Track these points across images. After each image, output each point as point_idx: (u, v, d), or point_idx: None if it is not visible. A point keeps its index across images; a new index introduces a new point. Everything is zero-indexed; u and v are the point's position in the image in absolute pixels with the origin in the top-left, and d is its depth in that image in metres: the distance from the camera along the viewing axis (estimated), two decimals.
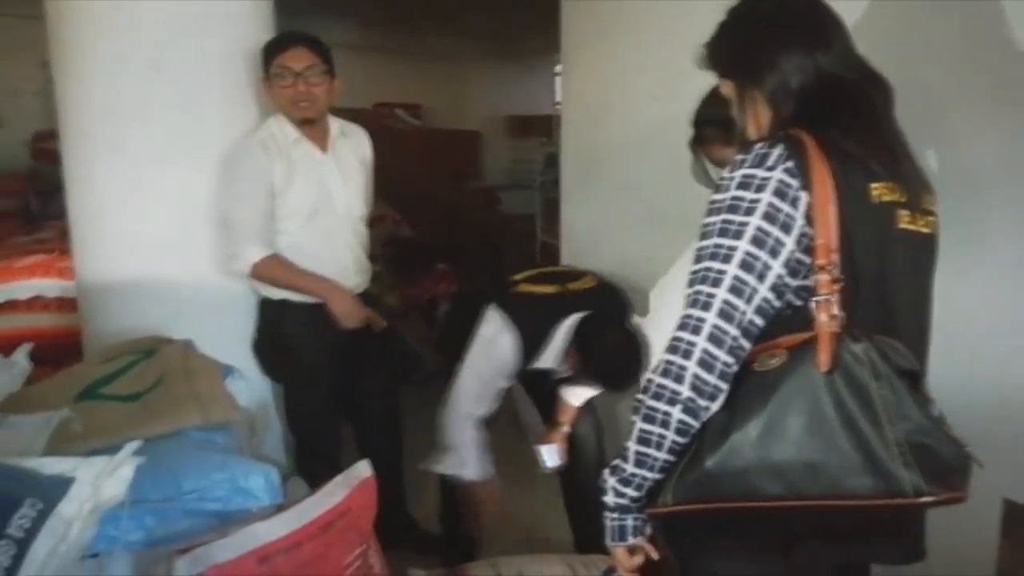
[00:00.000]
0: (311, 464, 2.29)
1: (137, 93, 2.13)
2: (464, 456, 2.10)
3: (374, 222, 3.82)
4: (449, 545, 2.39)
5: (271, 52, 2.15)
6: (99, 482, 0.94)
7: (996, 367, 1.61)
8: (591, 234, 3.15)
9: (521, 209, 6.32)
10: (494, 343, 1.99)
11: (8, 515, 0.85)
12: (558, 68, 6.24)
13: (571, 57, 3.17)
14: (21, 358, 1.36)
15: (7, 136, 4.22)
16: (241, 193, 2.13)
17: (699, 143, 1.69)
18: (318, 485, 1.51)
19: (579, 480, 2.22)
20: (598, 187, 3.09)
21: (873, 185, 0.99)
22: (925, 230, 1.04)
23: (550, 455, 2.11)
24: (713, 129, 1.65)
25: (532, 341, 1.99)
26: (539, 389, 2.24)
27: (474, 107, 7.50)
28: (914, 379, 0.91)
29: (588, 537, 2.31)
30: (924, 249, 1.05)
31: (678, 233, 2.28)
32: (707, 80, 1.62)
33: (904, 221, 1.00)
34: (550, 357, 1.99)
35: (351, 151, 2.35)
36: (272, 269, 2.17)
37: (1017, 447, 1.44)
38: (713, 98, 1.65)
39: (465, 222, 6.42)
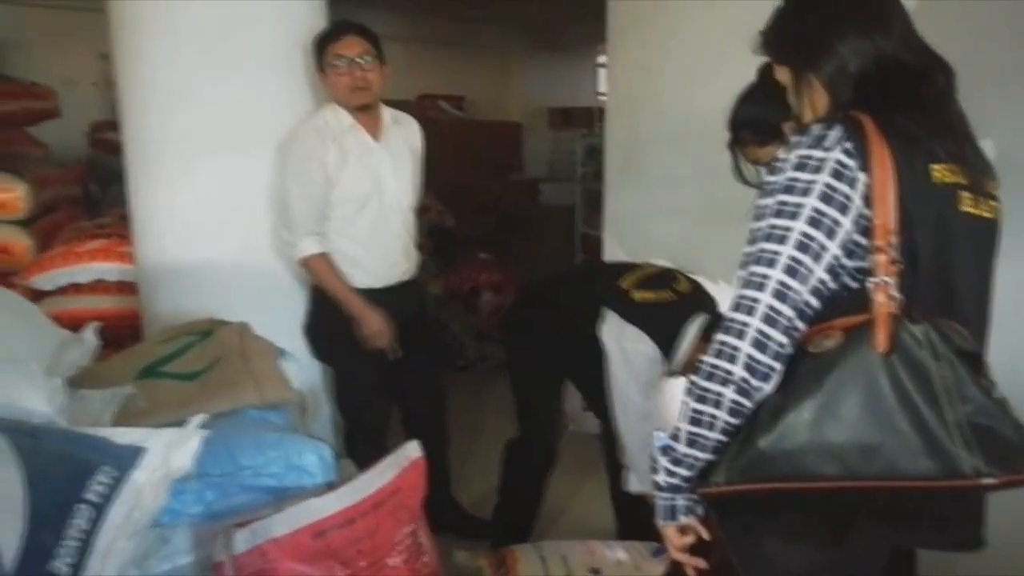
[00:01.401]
0: (359, 446, 2.34)
1: (194, 83, 2.20)
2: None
3: (419, 212, 3.88)
4: (501, 531, 2.41)
5: (325, 42, 2.21)
6: (169, 452, 0.98)
7: None
8: (634, 223, 3.14)
9: (562, 201, 6.31)
10: (634, 355, 1.98)
11: (85, 480, 0.90)
12: (601, 59, 6.23)
13: (615, 47, 3.16)
14: (91, 335, 1.42)
15: (66, 126, 4.35)
16: (297, 178, 2.18)
17: (735, 144, 1.70)
18: (366, 466, 1.54)
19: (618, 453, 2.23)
20: (641, 177, 3.08)
21: (934, 166, 0.97)
22: (987, 214, 1.03)
23: None
24: (747, 131, 1.66)
25: (668, 348, 1.98)
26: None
27: (516, 99, 7.51)
28: (975, 361, 0.89)
29: (630, 524, 2.32)
30: (986, 233, 1.04)
31: (720, 222, 2.28)
32: (752, 68, 1.63)
33: (966, 204, 0.99)
34: (680, 361, 1.99)
35: (403, 140, 2.39)
36: (319, 268, 2.23)
37: None
38: (745, 99, 1.66)
39: (506, 213, 6.44)
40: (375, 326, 2.26)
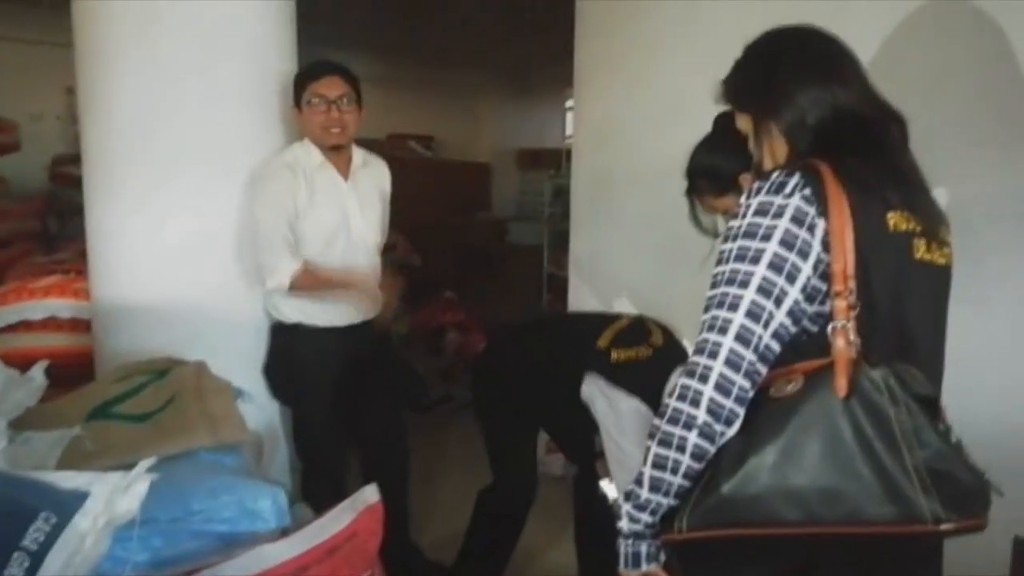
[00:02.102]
0: (317, 488, 2.28)
1: (160, 117, 2.18)
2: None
3: (385, 250, 3.86)
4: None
5: (306, 79, 2.21)
6: (113, 497, 0.94)
7: (1002, 400, 1.61)
8: (600, 263, 3.16)
9: (528, 240, 6.36)
10: (626, 414, 1.95)
11: (24, 527, 0.85)
12: (569, 103, 6.34)
13: (582, 89, 3.22)
14: (38, 374, 1.37)
15: (27, 159, 4.29)
16: (271, 209, 2.16)
17: (692, 192, 1.72)
18: (323, 510, 1.50)
19: (592, 511, 2.20)
20: (607, 217, 3.11)
21: (890, 214, 0.99)
22: (941, 260, 1.05)
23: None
24: (704, 180, 1.69)
25: (654, 403, 1.96)
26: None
27: (485, 140, 7.59)
28: (932, 405, 0.90)
29: (593, 569, 2.29)
30: (939, 279, 1.06)
31: (686, 262, 2.30)
32: (715, 109, 1.66)
33: (920, 251, 1.01)
34: None
35: (371, 181, 2.39)
36: (307, 277, 2.20)
37: None
38: (701, 148, 1.70)
39: (473, 252, 6.46)
40: (387, 290, 2.32)
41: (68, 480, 0.97)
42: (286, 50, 2.38)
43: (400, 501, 2.53)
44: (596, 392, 1.97)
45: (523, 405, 2.19)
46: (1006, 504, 0.99)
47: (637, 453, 1.93)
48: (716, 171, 1.63)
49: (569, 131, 5.99)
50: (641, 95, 2.88)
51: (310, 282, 2.20)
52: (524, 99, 7.39)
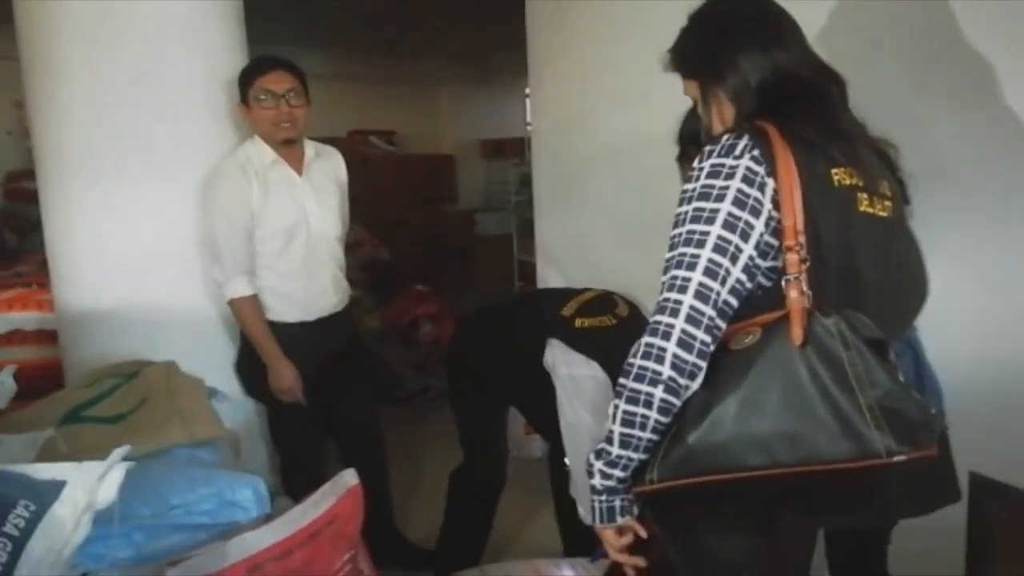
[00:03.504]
0: (296, 482, 2.28)
1: (112, 121, 2.16)
2: None
3: (352, 247, 3.85)
4: (447, 561, 2.38)
5: (252, 75, 2.19)
6: (91, 484, 0.95)
7: (963, 348, 1.67)
8: (566, 248, 3.19)
9: (497, 230, 6.37)
10: (584, 381, 1.97)
11: (3, 515, 0.86)
12: (528, 89, 6.36)
13: (538, 74, 3.23)
14: (7, 377, 1.37)
15: None
16: (223, 216, 2.15)
17: (682, 159, 1.75)
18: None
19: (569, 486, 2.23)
20: (570, 202, 3.14)
21: (834, 170, 1.04)
22: (882, 213, 1.10)
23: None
24: (692, 147, 1.71)
25: (614, 371, 1.98)
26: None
27: (448, 132, 7.57)
28: (881, 348, 0.94)
29: (575, 542, 2.33)
30: (886, 230, 1.10)
31: (650, 242, 2.33)
32: (671, 90, 1.69)
33: (864, 204, 1.06)
34: None
35: (326, 173, 2.38)
36: (243, 310, 2.21)
37: (984, 423, 1.49)
38: (691, 115, 1.72)
39: (442, 245, 6.46)
40: (285, 382, 2.24)
41: (44, 471, 0.98)
42: (236, 49, 2.36)
43: (381, 489, 2.55)
44: (556, 358, 2.00)
45: (492, 384, 2.21)
46: (960, 443, 1.04)
47: (590, 420, 1.98)
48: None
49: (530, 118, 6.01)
50: (597, 78, 2.90)
51: (245, 317, 2.22)
52: (484, 89, 7.39)
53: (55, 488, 0.93)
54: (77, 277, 2.26)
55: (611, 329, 2.02)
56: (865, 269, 1.05)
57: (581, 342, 1.99)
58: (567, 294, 2.18)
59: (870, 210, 1.06)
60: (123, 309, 2.20)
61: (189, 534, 1.46)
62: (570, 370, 1.99)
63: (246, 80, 2.19)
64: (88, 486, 0.94)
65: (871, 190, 1.08)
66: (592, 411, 2.00)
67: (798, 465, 0.90)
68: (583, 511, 2.09)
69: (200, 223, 2.23)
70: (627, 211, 2.78)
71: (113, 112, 2.16)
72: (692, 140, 1.70)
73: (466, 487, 2.37)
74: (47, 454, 1.38)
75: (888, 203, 1.11)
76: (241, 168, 2.18)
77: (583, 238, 3.07)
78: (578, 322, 2.03)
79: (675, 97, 1.73)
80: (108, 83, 2.15)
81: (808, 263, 0.98)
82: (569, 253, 3.16)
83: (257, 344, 2.22)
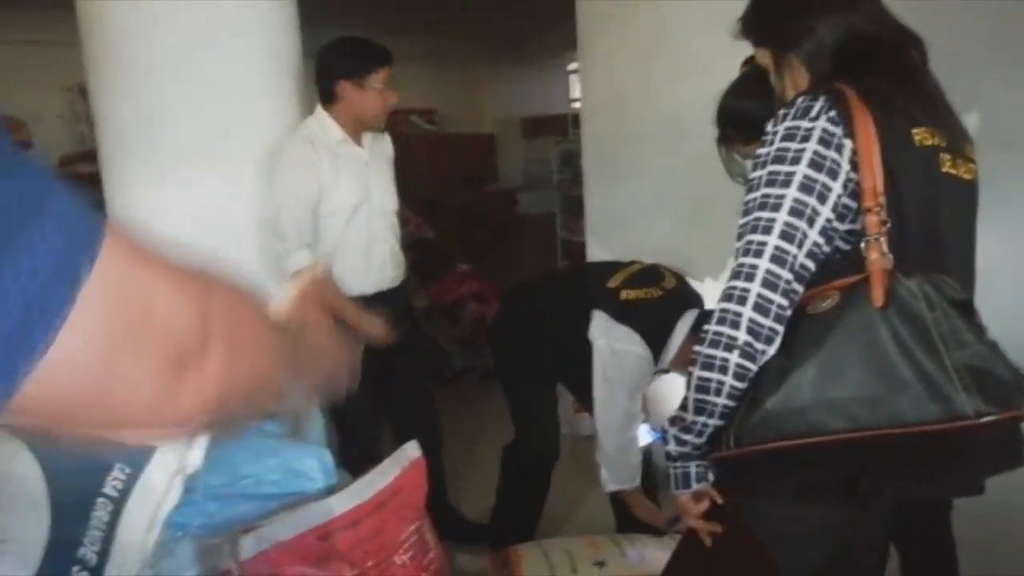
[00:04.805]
0: (353, 456, 2.32)
1: (170, 103, 2.21)
2: (634, 471, 2.10)
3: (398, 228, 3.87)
4: (501, 532, 2.40)
5: (378, 63, 2.26)
6: (180, 450, 0.99)
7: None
8: (617, 225, 3.17)
9: (539, 209, 6.34)
10: (624, 356, 1.97)
11: (102, 476, 0.90)
12: (572, 66, 6.30)
13: (587, 51, 3.21)
14: None
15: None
16: (289, 189, 2.19)
17: (723, 141, 1.72)
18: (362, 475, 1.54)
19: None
20: (622, 178, 3.11)
21: (915, 130, 1.01)
22: (967, 176, 1.07)
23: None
24: (732, 128, 1.68)
25: (658, 346, 1.99)
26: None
27: (488, 110, 7.55)
28: (967, 308, 0.92)
29: (629, 517, 2.33)
30: (967, 194, 1.08)
31: (706, 218, 2.32)
32: (733, 62, 1.66)
33: (947, 165, 1.03)
34: (669, 357, 1.99)
35: (380, 151, 2.44)
36: (296, 296, 2.22)
37: None
38: (729, 95, 1.68)
39: (484, 224, 6.46)
40: (377, 327, 2.27)
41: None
42: (290, 30, 2.39)
43: (434, 464, 2.57)
44: (598, 329, 1.99)
45: (536, 360, 2.22)
46: None
47: (622, 395, 1.97)
48: (745, 117, 1.61)
49: (573, 95, 5.95)
50: (650, 51, 2.87)
51: (299, 300, 2.24)
52: (524, 66, 7.33)
53: (147, 452, 0.96)
54: None
55: (657, 301, 2.01)
56: (947, 231, 1.03)
57: (626, 314, 1.99)
58: (614, 267, 2.17)
59: (953, 171, 1.03)
60: None
61: (258, 503, 1.50)
62: (610, 343, 1.98)
63: (368, 65, 2.25)
64: (177, 451, 0.97)
65: (954, 151, 1.05)
66: (627, 389, 1.99)
67: (882, 427, 0.89)
68: (605, 475, 2.09)
69: (262, 198, 2.27)
70: (681, 185, 2.75)
71: (171, 94, 2.20)
72: (732, 121, 1.67)
73: (519, 462, 2.38)
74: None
75: (972, 166, 1.08)
76: (311, 144, 2.22)
77: (634, 213, 3.05)
78: (624, 294, 2.02)
79: (733, 67, 1.70)
80: (165, 66, 2.19)
81: (888, 225, 0.96)
82: (620, 229, 3.14)
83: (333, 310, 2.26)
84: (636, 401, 2.03)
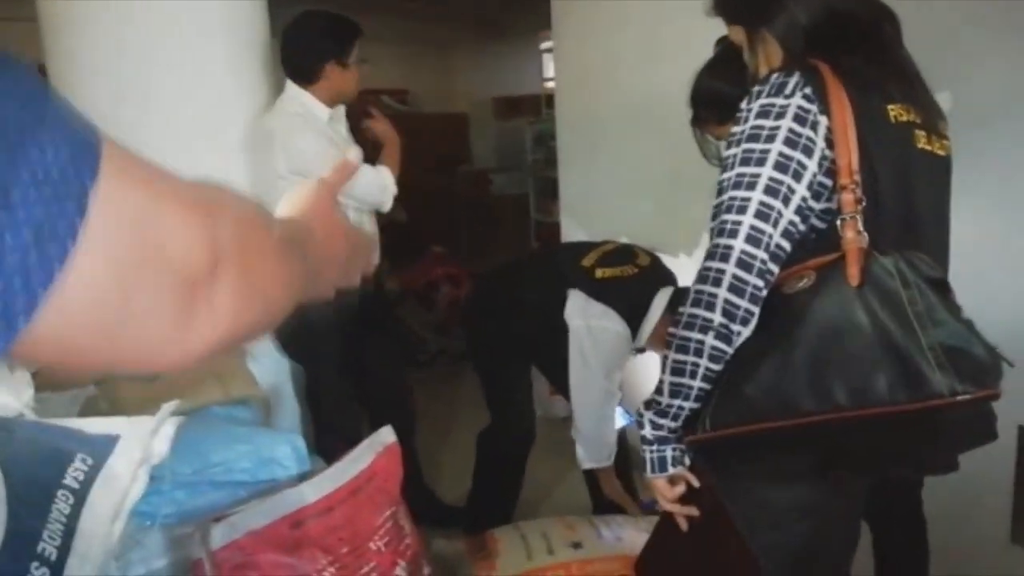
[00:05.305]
0: (329, 442, 2.30)
1: (137, 82, 2.13)
2: (610, 449, 2.11)
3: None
4: (478, 516, 2.40)
5: (353, 35, 2.21)
6: (144, 439, 0.96)
7: (1004, 295, 1.64)
8: (593, 205, 3.16)
9: (513, 190, 6.31)
10: (601, 333, 1.96)
11: (62, 468, 0.87)
12: (545, 45, 6.24)
13: (561, 30, 3.18)
14: None
15: None
16: (321, 156, 2.10)
17: (697, 123, 1.71)
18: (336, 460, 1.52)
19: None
20: (596, 156, 3.10)
21: (890, 107, 1.00)
22: (940, 152, 1.06)
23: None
24: (705, 109, 1.67)
25: (635, 322, 1.98)
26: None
27: (461, 90, 7.47)
28: (942, 287, 0.92)
29: (604, 498, 2.34)
30: (941, 170, 1.07)
31: (683, 198, 2.30)
32: (699, 41, 1.64)
33: (921, 141, 1.02)
34: (646, 334, 1.99)
35: (346, 131, 2.40)
36: (389, 161, 2.32)
37: None
38: (702, 76, 1.67)
39: (457, 205, 6.42)
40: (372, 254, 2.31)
41: (97, 426, 0.98)
42: (259, 11, 2.33)
43: (409, 447, 2.56)
44: (574, 308, 1.99)
45: (510, 343, 2.21)
46: (1009, 396, 1.02)
47: (598, 371, 1.97)
48: (718, 98, 1.59)
49: (547, 74, 5.90)
50: (622, 31, 2.84)
51: (396, 170, 2.32)
52: (497, 46, 7.25)
53: (110, 442, 0.93)
54: None
55: (632, 278, 2.01)
56: (923, 209, 1.02)
57: (602, 292, 1.98)
58: (588, 246, 2.16)
59: (928, 147, 1.03)
60: None
61: (229, 491, 1.47)
62: (587, 321, 1.98)
63: (347, 40, 2.19)
64: (142, 440, 0.94)
65: (929, 128, 1.04)
66: (604, 367, 1.99)
67: (856, 408, 0.89)
68: (581, 453, 2.10)
69: (276, 192, 2.22)
70: (656, 165, 2.74)
71: (135, 74, 2.13)
72: (705, 102, 1.66)
73: (494, 446, 2.38)
74: (90, 410, 1.39)
75: (946, 142, 1.08)
76: (301, 118, 2.18)
77: (609, 193, 3.04)
78: (599, 272, 2.02)
79: (705, 47, 1.69)
80: (128, 44, 2.12)
81: (864, 203, 0.95)
82: (594, 207, 3.13)
83: (397, 154, 2.34)
84: (613, 380, 2.03)
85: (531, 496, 2.56)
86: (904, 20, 1.11)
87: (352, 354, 2.37)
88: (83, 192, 0.33)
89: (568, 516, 2.22)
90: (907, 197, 1.00)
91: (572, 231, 3.24)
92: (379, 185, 2.23)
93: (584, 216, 3.18)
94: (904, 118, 1.01)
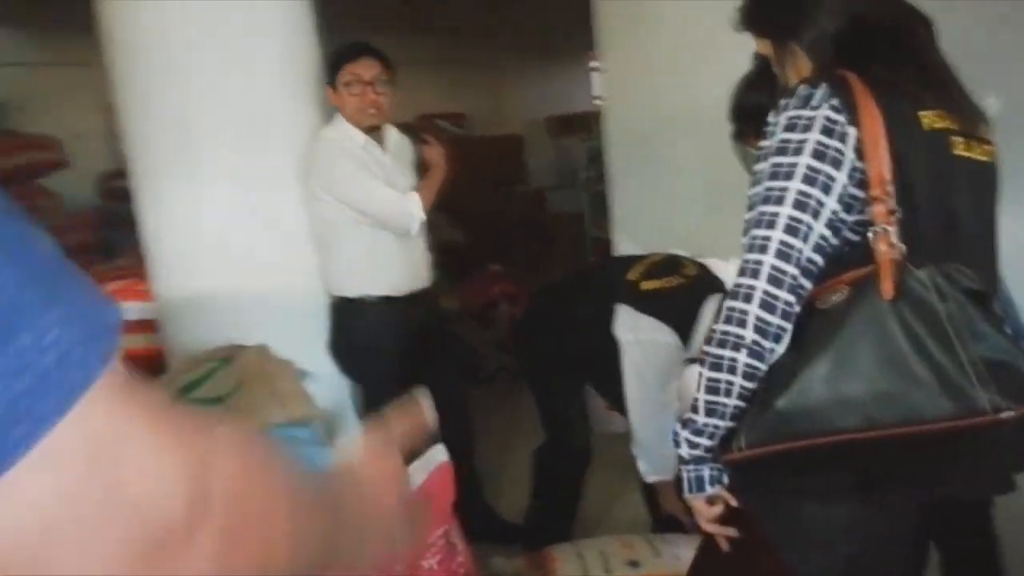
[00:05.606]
0: None
1: (199, 116, 2.25)
2: (672, 460, 2.10)
3: (426, 228, 3.88)
4: (535, 536, 2.41)
5: (341, 60, 2.28)
6: None
7: None
8: (644, 219, 3.15)
9: (569, 208, 6.33)
10: (651, 347, 1.96)
11: None
12: (593, 64, 6.26)
13: (607, 48, 3.20)
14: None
15: (76, 176, 4.46)
16: (355, 178, 2.24)
17: (739, 137, 1.70)
18: None
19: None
20: (647, 173, 3.10)
21: (923, 113, 0.99)
22: (983, 158, 1.04)
23: None
24: (745, 124, 1.66)
25: (685, 332, 1.98)
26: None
27: (514, 111, 7.56)
28: (984, 299, 0.90)
29: (666, 517, 2.32)
30: (984, 176, 1.05)
31: (732, 208, 2.27)
32: (743, 53, 1.63)
33: (959, 148, 1.00)
34: (697, 344, 1.99)
35: (406, 155, 2.48)
36: (426, 195, 2.33)
37: None
38: (741, 89, 1.66)
39: (514, 225, 6.47)
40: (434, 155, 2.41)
41: None
42: (308, 35, 2.43)
43: (469, 464, 2.60)
44: (623, 323, 1.98)
45: (562, 359, 2.22)
46: None
47: (654, 384, 1.95)
48: (759, 111, 1.56)
49: (596, 93, 5.92)
50: (669, 45, 2.85)
51: (430, 197, 2.33)
52: (548, 66, 7.32)
53: None
54: (171, 266, 2.39)
55: (680, 289, 2.00)
56: (964, 217, 1.00)
57: (649, 304, 1.97)
58: (633, 260, 2.16)
59: (967, 154, 1.01)
60: (218, 295, 2.31)
61: None
62: (636, 335, 1.97)
63: (335, 65, 2.28)
64: None
65: (967, 133, 1.02)
66: (658, 379, 1.97)
67: (896, 426, 0.87)
68: (644, 466, 2.08)
69: (313, 209, 2.33)
70: (707, 177, 2.72)
71: (199, 108, 2.25)
72: (745, 115, 1.64)
73: (550, 464, 2.38)
74: None
75: (988, 147, 1.05)
76: (341, 149, 2.27)
77: (662, 207, 3.04)
78: (645, 285, 2.01)
79: (748, 59, 1.68)
80: (191, 82, 2.24)
81: (899, 214, 0.94)
82: (647, 223, 3.12)
83: (440, 175, 2.38)
84: (669, 391, 2.02)
85: (590, 513, 2.55)
86: (950, 23, 1.09)
87: (409, 373, 2.42)
88: (80, 387, 0.29)
89: (626, 535, 2.21)
90: (945, 206, 0.98)
91: (624, 246, 3.24)
92: (402, 211, 2.27)
93: (635, 230, 3.18)
94: (939, 125, 0.99)
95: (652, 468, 2.08)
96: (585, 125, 6.25)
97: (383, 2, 5.39)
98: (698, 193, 2.80)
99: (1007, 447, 0.91)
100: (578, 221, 5.85)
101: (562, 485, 2.38)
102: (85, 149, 5.21)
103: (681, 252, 2.29)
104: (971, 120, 1.04)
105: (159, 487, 0.32)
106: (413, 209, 2.27)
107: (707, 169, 2.68)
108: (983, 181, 1.05)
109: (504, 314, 4.80)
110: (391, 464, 0.56)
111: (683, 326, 1.96)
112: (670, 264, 2.08)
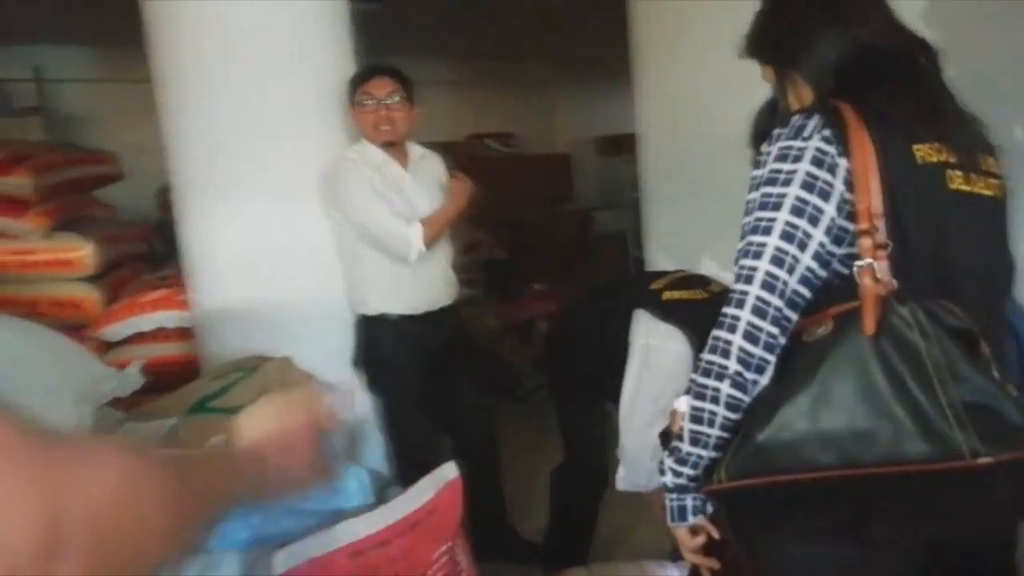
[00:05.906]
0: (412, 475, 2.38)
1: (236, 133, 2.34)
2: (649, 476, 2.04)
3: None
4: (553, 557, 2.40)
5: (357, 81, 2.36)
6: None
7: None
8: (679, 242, 3.13)
9: (615, 227, 6.33)
10: (660, 355, 1.95)
11: None
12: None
13: (641, 66, 3.20)
14: (134, 370, 1.54)
15: (136, 189, 4.65)
16: (365, 198, 2.28)
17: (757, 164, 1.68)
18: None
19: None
20: (679, 194, 3.08)
21: (917, 147, 0.97)
22: (986, 192, 1.01)
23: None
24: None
25: (699, 347, 1.95)
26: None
27: (563, 131, 7.60)
28: (970, 339, 0.87)
29: None
30: (984, 211, 1.02)
31: None
32: None
33: (957, 182, 0.98)
34: None
35: (430, 173, 2.50)
36: (432, 227, 2.33)
37: None
38: (761, 115, 1.64)
39: (559, 244, 6.48)
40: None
41: None
42: (345, 59, 2.51)
43: (492, 482, 2.60)
44: (641, 328, 1.96)
45: (585, 377, 2.20)
46: None
47: (648, 400, 1.90)
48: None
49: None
50: (708, 66, 2.83)
51: (436, 229, 2.34)
52: (597, 86, 7.35)
53: None
54: (207, 278, 2.47)
55: (702, 302, 1.96)
56: (959, 253, 0.97)
57: (669, 313, 1.95)
58: (660, 274, 2.15)
59: (965, 188, 0.98)
60: (251, 307, 2.38)
61: (300, 519, 1.56)
62: (648, 340, 1.95)
63: (353, 85, 2.36)
64: None
65: (967, 167, 0.99)
66: (656, 386, 1.93)
67: (873, 465, 0.85)
68: (621, 472, 2.04)
69: (331, 227, 2.39)
70: (735, 196, 2.69)
71: (237, 125, 2.34)
72: (760, 143, 1.62)
73: (567, 484, 2.37)
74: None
75: (993, 180, 1.02)
76: (356, 164, 2.33)
77: (697, 229, 3.01)
78: (667, 294, 1.99)
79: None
80: (230, 99, 2.33)
81: (889, 248, 0.92)
82: (683, 248, 3.10)
83: (452, 217, 2.39)
84: (661, 404, 1.98)
85: (609, 536, 2.53)
86: (977, 46, 1.06)
87: (433, 388, 2.45)
88: None
89: (643, 560, 2.18)
90: (936, 242, 0.96)
91: (658, 265, 3.22)
92: (401, 238, 2.28)
93: (671, 250, 3.16)
94: (933, 159, 0.97)
95: (627, 478, 2.04)
96: (632, 146, 6.23)
97: (436, 25, 5.50)
98: (735, 217, 2.76)
99: (1001, 490, 0.87)
100: (622, 240, 5.84)
101: (579, 506, 2.36)
102: (148, 163, 5.43)
103: (717, 277, 2.27)
104: (972, 153, 1.01)
105: (12, 524, 0.33)
106: (413, 239, 2.28)
107: (743, 193, 2.65)
108: (983, 216, 1.02)
109: (542, 332, 4.80)
110: (295, 437, 0.68)
111: (699, 338, 1.93)
112: (696, 280, 2.07)
